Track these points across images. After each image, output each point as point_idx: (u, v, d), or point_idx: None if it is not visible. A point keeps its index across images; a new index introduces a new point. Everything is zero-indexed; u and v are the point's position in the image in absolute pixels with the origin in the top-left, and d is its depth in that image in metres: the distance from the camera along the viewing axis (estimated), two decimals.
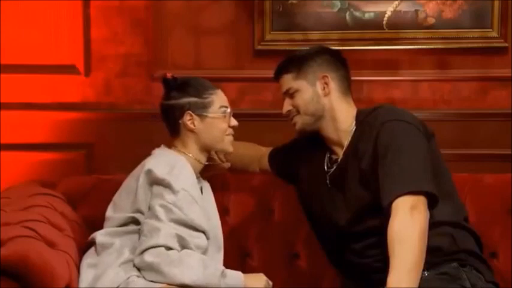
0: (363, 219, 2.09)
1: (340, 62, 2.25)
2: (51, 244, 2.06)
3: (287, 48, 2.81)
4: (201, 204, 2.15)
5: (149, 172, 2.12)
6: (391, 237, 1.88)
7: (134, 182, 2.17)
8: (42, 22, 2.87)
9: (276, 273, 2.46)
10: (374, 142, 2.05)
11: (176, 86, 2.22)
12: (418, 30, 2.80)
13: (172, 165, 2.14)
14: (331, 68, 2.22)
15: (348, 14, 2.80)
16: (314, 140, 2.27)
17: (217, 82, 2.77)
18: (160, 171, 2.11)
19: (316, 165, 2.27)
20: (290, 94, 2.23)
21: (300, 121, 2.23)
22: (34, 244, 1.98)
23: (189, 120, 2.19)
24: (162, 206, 2.07)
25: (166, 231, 2.04)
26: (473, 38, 2.79)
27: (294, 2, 2.81)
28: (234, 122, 2.25)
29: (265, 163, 2.48)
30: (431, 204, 1.96)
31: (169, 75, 2.24)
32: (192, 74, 2.84)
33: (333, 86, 2.20)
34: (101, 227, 2.38)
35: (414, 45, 2.82)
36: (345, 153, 2.17)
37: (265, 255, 2.49)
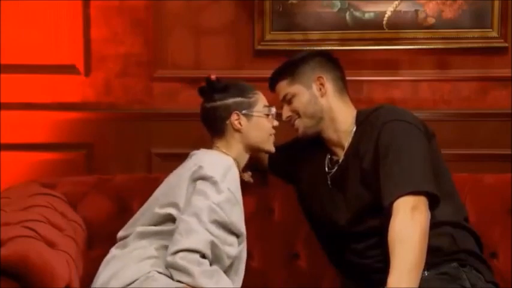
0: (363, 219, 2.09)
1: (333, 63, 2.27)
2: (51, 244, 2.06)
3: (287, 48, 2.81)
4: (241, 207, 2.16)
5: (200, 168, 2.10)
6: (392, 237, 1.88)
7: (178, 178, 2.16)
8: (42, 22, 2.88)
9: (276, 273, 2.46)
10: (375, 142, 2.06)
11: (219, 88, 2.23)
12: (418, 30, 2.80)
13: (223, 164, 2.15)
14: (325, 69, 2.24)
15: (348, 14, 2.80)
16: (314, 141, 2.27)
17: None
18: (210, 168, 2.10)
19: (316, 166, 2.27)
20: (288, 100, 2.26)
21: (301, 125, 2.24)
22: (34, 244, 1.98)
23: (236, 119, 2.21)
24: (206, 206, 2.04)
25: (203, 237, 2.01)
26: (473, 38, 2.79)
27: (294, 2, 2.81)
28: (275, 122, 2.28)
29: (266, 162, 2.48)
30: (433, 204, 1.96)
31: (213, 76, 2.24)
32: (192, 74, 2.87)
33: (329, 86, 2.22)
34: (100, 227, 2.38)
35: (414, 45, 2.82)
36: (345, 154, 2.18)
37: (265, 255, 2.49)
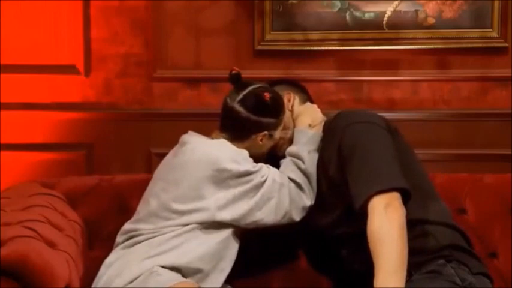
0: (342, 225, 2.10)
1: (300, 88, 2.34)
2: (51, 244, 2.06)
3: (287, 48, 2.81)
4: None
5: (224, 171, 2.10)
6: (371, 238, 1.86)
7: (192, 179, 2.13)
8: (42, 22, 2.87)
9: (276, 273, 2.46)
10: (337, 147, 2.05)
11: (264, 106, 2.19)
12: (418, 30, 2.80)
13: (235, 153, 2.15)
14: (293, 91, 2.31)
15: (348, 14, 2.80)
16: None
17: (217, 82, 2.79)
18: (234, 165, 2.11)
19: None
20: None
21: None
22: (34, 244, 1.98)
23: (261, 138, 2.21)
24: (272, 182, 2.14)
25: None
26: (473, 38, 2.79)
27: (294, 2, 2.81)
28: None
29: None
30: (406, 199, 1.92)
31: (267, 95, 2.20)
32: (192, 74, 2.87)
33: (295, 103, 2.29)
34: (100, 227, 2.37)
35: (414, 45, 2.82)
36: None
37: (266, 255, 2.48)
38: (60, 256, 2.06)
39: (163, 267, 2.05)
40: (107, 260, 2.16)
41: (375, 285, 1.81)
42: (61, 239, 2.15)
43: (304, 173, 2.17)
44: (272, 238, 2.49)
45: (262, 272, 2.46)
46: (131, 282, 2.03)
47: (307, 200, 2.18)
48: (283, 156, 2.25)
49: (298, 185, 2.17)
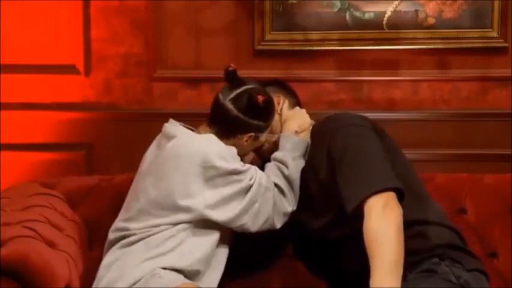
0: (335, 228, 2.10)
1: (290, 92, 2.35)
2: (51, 244, 2.06)
3: (287, 48, 2.81)
4: None
5: (213, 168, 2.08)
6: (368, 238, 1.85)
7: (179, 175, 2.11)
8: (42, 22, 2.87)
9: (276, 273, 2.46)
10: (327, 150, 2.05)
11: (256, 107, 2.18)
12: (418, 30, 2.80)
13: (224, 150, 2.14)
14: (283, 93, 2.32)
15: (348, 14, 2.80)
16: None
17: (217, 82, 2.78)
18: (223, 162, 2.10)
19: None
20: None
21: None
22: (34, 244, 1.98)
23: (247, 139, 2.21)
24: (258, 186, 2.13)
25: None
26: (473, 38, 2.79)
27: (294, 2, 2.81)
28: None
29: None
30: (401, 198, 1.92)
31: (260, 97, 2.18)
32: (192, 74, 2.87)
33: (284, 106, 2.30)
34: (100, 227, 2.37)
35: (414, 45, 2.82)
36: (303, 172, 2.21)
37: (266, 255, 2.48)
38: (60, 256, 2.06)
39: (164, 268, 2.05)
40: (104, 262, 2.15)
41: (370, 285, 1.80)
42: (61, 239, 2.15)
43: (288, 179, 2.17)
44: (272, 238, 2.50)
45: (262, 272, 2.46)
46: (133, 284, 2.03)
47: (289, 206, 2.18)
48: (268, 160, 2.26)
49: (281, 190, 2.17)
